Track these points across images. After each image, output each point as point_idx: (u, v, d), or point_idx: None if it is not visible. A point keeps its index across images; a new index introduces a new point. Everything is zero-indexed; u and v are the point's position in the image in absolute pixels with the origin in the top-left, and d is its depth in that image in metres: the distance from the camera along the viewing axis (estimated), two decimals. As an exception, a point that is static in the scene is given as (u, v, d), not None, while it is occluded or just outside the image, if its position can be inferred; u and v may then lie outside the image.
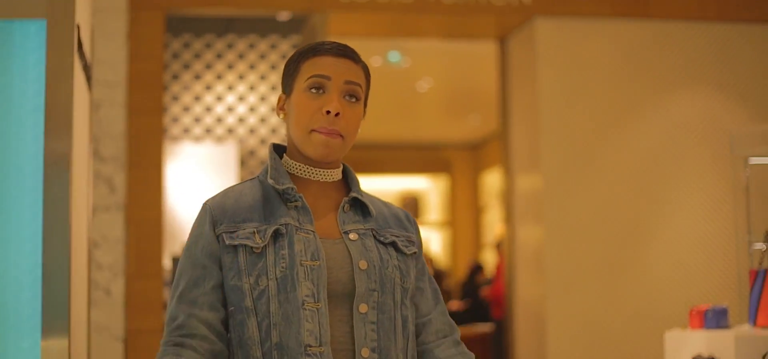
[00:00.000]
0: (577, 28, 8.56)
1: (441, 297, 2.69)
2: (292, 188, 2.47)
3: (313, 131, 2.45)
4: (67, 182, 3.14)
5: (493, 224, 15.81)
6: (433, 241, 17.26)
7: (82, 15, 3.55)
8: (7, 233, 3.17)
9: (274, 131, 8.62)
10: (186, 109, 8.54)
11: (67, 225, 3.15)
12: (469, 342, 11.61)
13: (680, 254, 8.52)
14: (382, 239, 2.51)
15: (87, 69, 3.77)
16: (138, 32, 7.85)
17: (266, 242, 2.39)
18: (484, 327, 12.98)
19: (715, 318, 5.54)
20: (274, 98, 8.67)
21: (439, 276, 14.48)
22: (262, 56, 8.72)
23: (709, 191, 8.61)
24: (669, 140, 8.60)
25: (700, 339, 5.51)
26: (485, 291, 13.36)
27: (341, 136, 2.46)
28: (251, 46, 8.72)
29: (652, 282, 8.45)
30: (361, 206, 2.57)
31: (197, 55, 8.61)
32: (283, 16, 8.56)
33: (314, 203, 2.52)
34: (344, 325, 2.39)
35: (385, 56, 10.85)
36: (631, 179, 8.52)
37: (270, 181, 2.50)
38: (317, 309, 2.35)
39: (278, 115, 2.61)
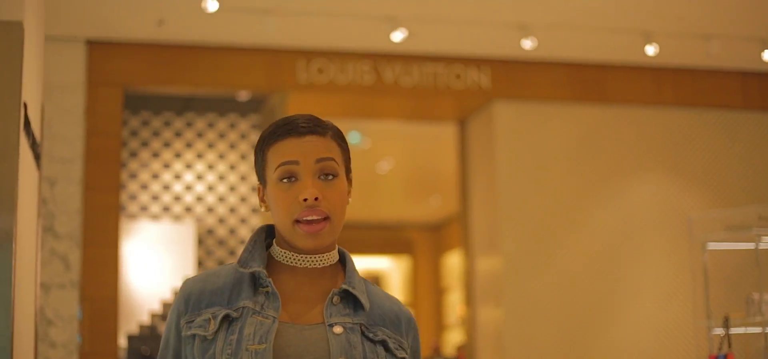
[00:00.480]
0: (535, 111, 8.61)
1: None
2: (259, 272, 2.27)
3: (295, 222, 2.24)
4: (9, 259, 3.08)
5: (455, 306, 15.78)
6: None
7: (31, 92, 3.52)
8: (-52, 312, 3.10)
9: (232, 210, 8.58)
10: (144, 186, 8.48)
11: (9, 303, 3.08)
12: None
13: (640, 338, 8.51)
14: (371, 336, 2.29)
15: (35, 146, 3.72)
16: (96, 108, 7.81)
17: (217, 328, 2.22)
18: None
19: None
20: (232, 177, 8.64)
21: None
22: (221, 135, 8.70)
23: (669, 275, 8.62)
24: (627, 223, 8.63)
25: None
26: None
27: (327, 218, 2.24)
28: (210, 124, 8.70)
29: (612, 366, 8.42)
30: (352, 299, 2.32)
31: (156, 133, 8.58)
32: (243, 95, 8.56)
33: (297, 291, 2.31)
34: None
35: (347, 137, 10.86)
36: (591, 261, 8.52)
37: (237, 265, 2.30)
38: None
39: (260, 207, 2.36)
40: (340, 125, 8.06)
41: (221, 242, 8.54)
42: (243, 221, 8.61)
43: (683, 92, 8.92)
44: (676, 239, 8.57)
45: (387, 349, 2.28)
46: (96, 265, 7.70)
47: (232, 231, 8.58)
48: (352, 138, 10.81)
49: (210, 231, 8.54)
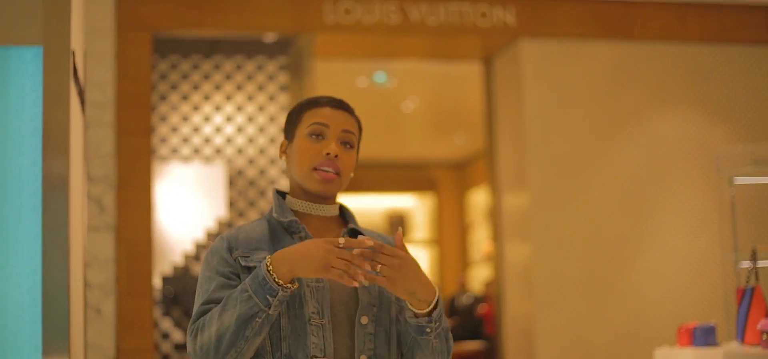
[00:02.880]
0: (561, 49, 8.64)
1: None
2: (296, 221, 2.79)
3: (314, 169, 2.79)
4: (65, 204, 3.18)
5: (480, 243, 15.87)
6: (420, 259, 17.26)
7: (77, 40, 3.60)
8: (7, 255, 3.20)
9: (262, 151, 8.66)
10: (174, 129, 8.57)
11: (66, 247, 3.19)
12: (463, 358, 11.65)
13: (667, 273, 8.58)
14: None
15: (81, 93, 3.81)
16: (126, 53, 7.89)
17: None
18: (474, 345, 13.04)
19: (704, 336, 5.60)
20: (261, 118, 8.71)
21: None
22: (249, 77, 8.77)
23: (695, 210, 8.68)
24: (654, 159, 8.67)
25: (689, 356, 5.57)
26: (481, 309, 13.41)
27: (338, 174, 2.80)
28: (238, 67, 8.77)
29: (640, 300, 8.50)
30: (357, 235, 2.84)
31: (184, 76, 8.65)
32: (270, 37, 8.61)
33: (316, 235, 2.82)
34: (346, 338, 2.72)
35: (371, 77, 10.91)
36: (618, 197, 8.58)
37: (275, 216, 2.84)
38: (322, 325, 2.69)
39: (280, 157, 2.96)
40: (367, 65, 8.16)
41: (252, 183, 8.64)
42: (272, 162, 8.69)
43: (708, 28, 8.93)
44: (703, 174, 8.62)
45: None
46: (130, 207, 7.82)
47: (261, 172, 8.67)
48: (378, 78, 10.86)
49: (240, 172, 8.63)
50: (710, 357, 5.41)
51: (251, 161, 8.67)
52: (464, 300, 14.23)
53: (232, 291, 2.62)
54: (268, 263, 2.57)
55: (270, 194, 8.68)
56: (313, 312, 2.68)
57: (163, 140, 8.53)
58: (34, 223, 3.19)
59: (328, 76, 9.61)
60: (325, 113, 2.83)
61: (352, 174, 2.89)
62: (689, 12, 8.87)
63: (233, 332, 2.55)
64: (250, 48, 8.83)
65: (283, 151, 2.95)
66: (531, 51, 8.61)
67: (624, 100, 8.70)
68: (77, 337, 3.68)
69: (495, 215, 9.23)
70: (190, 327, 2.66)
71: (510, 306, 8.96)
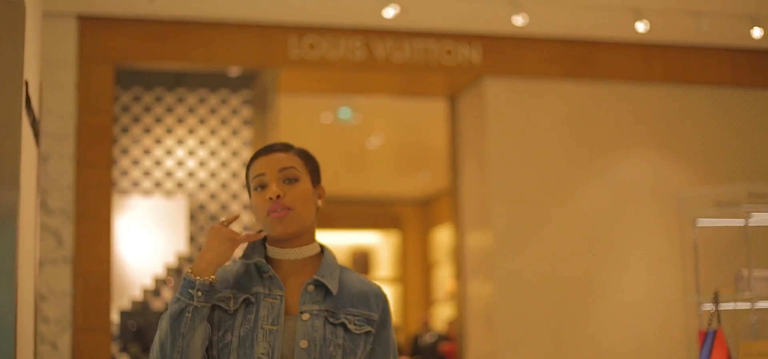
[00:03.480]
0: (526, 87, 8.64)
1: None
2: (261, 262, 2.90)
3: (267, 216, 2.88)
4: (13, 236, 3.10)
5: (444, 281, 15.82)
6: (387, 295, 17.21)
7: (30, 70, 3.53)
8: (-48, 288, 3.11)
9: (223, 185, 8.59)
10: (135, 162, 8.48)
11: (13, 281, 3.10)
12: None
13: (630, 313, 8.56)
14: (332, 320, 2.85)
15: (35, 124, 3.73)
16: (88, 85, 7.81)
17: (238, 307, 2.85)
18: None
19: (664, 378, 5.57)
20: (224, 153, 8.64)
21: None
22: (213, 111, 8.70)
23: (658, 251, 8.67)
24: (618, 200, 8.67)
25: (649, 398, 5.53)
26: (444, 347, 13.34)
27: (289, 209, 2.87)
28: (201, 100, 8.70)
29: (602, 341, 8.48)
30: (323, 287, 2.90)
31: (147, 109, 8.57)
32: (234, 71, 8.56)
33: (285, 280, 2.91)
34: None
35: (336, 112, 10.87)
36: (581, 237, 8.57)
37: (243, 259, 2.95)
38: None
39: (255, 217, 3.00)
40: (332, 100, 8.07)
41: (213, 218, 8.55)
42: (234, 196, 8.62)
43: (673, 69, 8.96)
44: (666, 216, 8.62)
45: (346, 329, 2.86)
46: (89, 241, 7.72)
47: (223, 207, 8.59)
48: (343, 114, 10.82)
49: (202, 207, 8.55)
50: (671, 399, 5.38)
51: (213, 196, 8.59)
52: (427, 339, 14.16)
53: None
54: (190, 270, 2.77)
55: (232, 228, 8.59)
56: (263, 353, 2.76)
57: (124, 173, 8.44)
58: (-19, 255, 3.10)
59: (292, 112, 9.56)
60: (260, 163, 2.94)
61: (319, 203, 3.00)
62: (654, 53, 8.90)
63: (170, 332, 2.71)
64: (214, 81, 8.77)
65: (252, 207, 3.01)
66: (496, 89, 8.60)
67: (588, 139, 8.70)
68: (25, 374, 3.59)
69: (458, 254, 9.19)
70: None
71: (472, 345, 8.91)
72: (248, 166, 2.99)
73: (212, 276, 2.76)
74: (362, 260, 16.82)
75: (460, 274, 9.14)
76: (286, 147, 2.99)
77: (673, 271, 8.50)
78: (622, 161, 8.76)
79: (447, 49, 8.49)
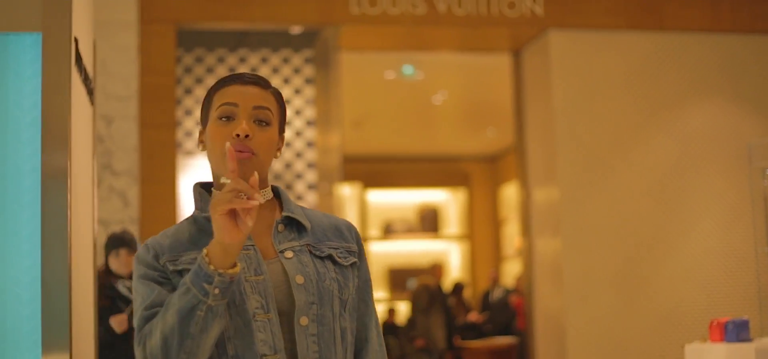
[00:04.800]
0: (590, 40, 8.51)
1: (372, 297, 2.73)
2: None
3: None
4: (65, 194, 3.10)
5: (513, 238, 15.75)
6: (453, 254, 17.21)
7: (81, 28, 3.52)
8: (6, 248, 3.13)
9: (287, 144, 8.59)
10: (199, 123, 8.51)
11: (65, 238, 3.10)
12: (496, 354, 11.57)
13: (700, 266, 8.45)
14: (318, 253, 2.56)
15: (88, 82, 3.73)
16: (149, 46, 7.84)
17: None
18: (506, 340, 12.94)
19: (736, 331, 5.46)
20: (287, 111, 8.65)
21: (458, 287, 14.45)
22: (275, 70, 8.69)
23: (728, 202, 8.54)
24: (685, 151, 8.54)
25: (721, 352, 5.44)
26: (515, 299, 13.28)
27: (253, 153, 2.46)
28: (264, 60, 8.70)
29: (672, 294, 8.38)
30: (295, 223, 2.59)
31: (210, 70, 8.59)
32: (296, 29, 8.54)
33: None
34: (286, 341, 2.45)
35: (399, 69, 10.81)
36: (648, 190, 8.46)
37: (197, 213, 2.56)
38: (268, 320, 2.44)
39: (198, 147, 2.63)
40: (394, 57, 8.02)
41: (277, 177, 8.57)
42: (298, 155, 8.62)
43: (741, 18, 8.78)
44: (736, 166, 8.48)
45: (334, 262, 2.56)
46: (154, 201, 7.77)
47: (287, 165, 8.60)
48: (406, 70, 10.75)
49: (265, 166, 8.57)
50: (742, 352, 5.29)
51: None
52: (497, 294, 14.12)
53: (169, 297, 2.38)
54: (205, 254, 2.31)
55: (297, 187, 8.61)
56: (257, 307, 2.43)
57: (188, 134, 8.47)
58: (33, 215, 3.11)
59: (354, 69, 9.53)
60: (233, 91, 2.53)
61: (278, 154, 2.57)
62: (722, 2, 8.72)
63: (177, 330, 2.32)
64: (275, 41, 8.77)
65: (200, 140, 2.62)
66: (560, 42, 8.49)
67: (654, 91, 8.57)
68: (84, 331, 3.61)
69: (525, 210, 9.12)
70: (136, 336, 2.41)
71: (540, 301, 8.86)
72: (215, 88, 2.59)
73: (234, 268, 2.32)
74: (430, 217, 16.79)
75: (527, 230, 9.08)
76: (264, 82, 2.59)
77: (745, 221, 8.37)
78: (689, 112, 8.61)
79: (509, 1, 8.39)
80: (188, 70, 8.55)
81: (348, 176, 9.15)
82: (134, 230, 7.55)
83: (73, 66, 3.22)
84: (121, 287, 6.09)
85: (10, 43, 3.11)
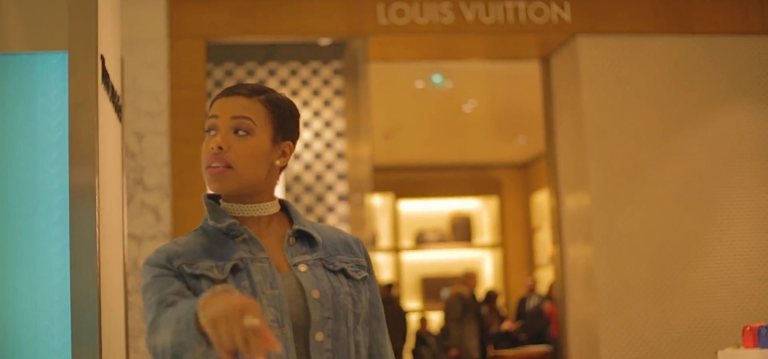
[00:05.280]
0: (619, 45, 8.49)
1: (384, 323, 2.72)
2: (235, 223, 2.53)
3: (206, 168, 2.52)
4: (93, 211, 3.13)
5: (546, 245, 15.71)
6: (485, 262, 17.20)
7: (108, 45, 3.55)
8: (36, 264, 3.16)
9: (318, 156, 8.62)
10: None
11: (94, 255, 3.14)
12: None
13: (732, 271, 8.40)
14: (331, 267, 2.55)
15: (115, 99, 3.76)
16: (179, 61, 7.89)
17: (226, 276, 2.44)
18: (539, 348, 12.91)
19: (769, 336, 5.44)
20: (317, 123, 8.68)
21: (491, 296, 14.44)
22: (304, 82, 8.73)
23: (762, 206, 8.49)
24: (717, 155, 8.50)
25: (754, 357, 5.41)
26: (547, 307, 13.25)
27: (229, 167, 2.48)
28: (293, 72, 8.73)
29: (704, 299, 8.33)
30: (306, 237, 2.60)
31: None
32: (324, 41, 8.57)
33: (258, 237, 2.55)
34: (300, 356, 2.44)
35: (429, 79, 10.82)
36: (680, 196, 8.42)
37: (211, 223, 2.56)
38: (283, 334, 2.41)
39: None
40: (423, 66, 7.99)
41: (308, 189, 8.60)
42: (329, 166, 8.65)
43: (772, 19, 8.75)
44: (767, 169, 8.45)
45: (347, 275, 2.56)
46: (186, 215, 7.81)
47: (318, 177, 8.63)
48: (435, 79, 10.76)
49: (297, 178, 8.60)
50: (775, 358, 5.26)
51: (308, 166, 8.63)
52: (533, 302, 14.10)
53: (181, 302, 2.30)
54: (200, 307, 2.15)
55: (328, 198, 8.64)
56: (272, 321, 2.40)
57: (219, 148, 8.52)
58: (62, 232, 3.14)
59: (383, 79, 9.56)
60: (217, 104, 2.54)
61: (277, 162, 2.58)
62: (751, 4, 8.68)
63: (171, 356, 2.24)
64: (304, 53, 8.81)
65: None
66: (588, 48, 8.47)
67: (685, 95, 8.53)
68: (115, 348, 3.64)
69: (556, 217, 9.10)
70: (149, 326, 2.37)
71: (573, 308, 8.83)
72: (210, 104, 2.60)
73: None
74: (463, 226, 16.79)
75: (558, 237, 9.06)
76: (253, 91, 2.57)
77: (777, 226, 8.34)
78: (721, 115, 8.57)
79: (537, 7, 8.38)
80: (218, 84, 8.60)
81: (379, 187, 9.17)
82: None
83: (100, 84, 3.25)
84: None
85: (37, 62, 3.15)
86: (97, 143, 3.15)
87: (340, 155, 8.72)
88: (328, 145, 8.69)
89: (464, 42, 8.64)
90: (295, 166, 8.61)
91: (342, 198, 8.65)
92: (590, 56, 8.47)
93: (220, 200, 2.62)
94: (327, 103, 8.74)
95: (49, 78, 3.16)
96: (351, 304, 2.52)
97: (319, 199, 8.62)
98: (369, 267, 2.66)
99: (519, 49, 8.98)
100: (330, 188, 8.66)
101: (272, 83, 8.67)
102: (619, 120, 8.45)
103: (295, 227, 2.57)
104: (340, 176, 8.67)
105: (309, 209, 8.58)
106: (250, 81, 8.49)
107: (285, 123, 2.60)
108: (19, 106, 3.15)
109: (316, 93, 8.74)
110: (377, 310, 2.68)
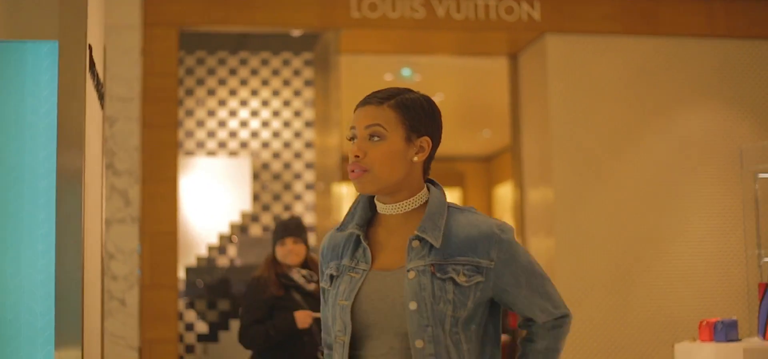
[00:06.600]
0: (587, 44, 8.63)
1: (540, 284, 2.85)
2: (354, 233, 2.81)
3: (350, 173, 2.75)
4: (79, 196, 3.22)
5: (507, 238, 15.81)
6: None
7: (94, 35, 3.64)
8: (22, 246, 3.24)
9: (286, 144, 8.71)
10: (200, 123, 8.63)
11: (79, 238, 3.22)
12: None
13: (690, 267, 8.57)
14: (440, 275, 2.68)
15: (99, 87, 3.85)
16: (152, 49, 7.96)
17: (330, 284, 2.81)
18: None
19: (725, 331, 5.59)
20: (287, 113, 8.76)
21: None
22: (275, 72, 8.81)
23: (720, 205, 8.65)
24: (679, 155, 8.66)
25: (710, 351, 5.56)
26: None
27: (366, 170, 2.71)
28: (264, 62, 8.81)
29: (662, 294, 8.50)
30: (428, 244, 2.73)
31: (211, 71, 8.71)
32: (296, 32, 8.66)
33: (389, 238, 2.80)
34: (396, 355, 2.68)
35: (398, 72, 10.92)
36: (641, 193, 8.57)
37: (339, 229, 2.88)
38: (343, 342, 2.70)
39: None
40: (393, 60, 8.08)
41: (276, 176, 8.68)
42: (297, 155, 8.74)
43: (736, 23, 8.89)
44: (728, 170, 8.60)
45: (455, 284, 2.67)
46: (155, 200, 7.89)
47: (286, 165, 8.72)
48: (404, 73, 10.86)
49: (265, 165, 8.68)
50: (731, 352, 5.41)
51: (276, 155, 8.72)
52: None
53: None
54: None
55: (295, 187, 8.74)
56: (339, 330, 2.72)
57: (189, 134, 8.59)
58: (48, 215, 3.23)
59: (354, 72, 9.64)
60: (354, 116, 2.80)
61: (415, 158, 2.77)
62: (717, 7, 8.84)
63: None
64: (276, 44, 8.88)
65: None
66: (557, 46, 8.61)
67: (649, 95, 8.69)
68: (93, 327, 3.73)
69: (519, 210, 9.23)
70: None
71: (534, 301, 8.95)
72: None
73: None
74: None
75: (521, 230, 9.19)
76: (383, 99, 2.79)
77: (736, 224, 8.50)
78: (683, 116, 8.73)
79: (507, 6, 8.51)
80: (190, 71, 8.66)
81: (346, 177, 9.26)
82: (135, 229, 7.68)
83: (87, 72, 3.34)
84: (297, 275, 6.00)
85: (28, 51, 3.23)
86: (85, 130, 3.24)
87: (308, 145, 8.81)
88: (297, 134, 8.78)
89: (435, 37, 8.76)
90: (263, 154, 8.69)
91: (309, 187, 8.74)
92: (558, 54, 8.60)
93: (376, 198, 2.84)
94: (297, 93, 8.83)
95: (40, 66, 3.24)
96: (451, 311, 2.67)
97: (287, 187, 8.71)
98: (503, 261, 2.74)
99: (488, 45, 9.10)
100: (298, 176, 8.74)
101: (243, 72, 8.74)
102: (584, 117, 8.59)
103: (416, 232, 2.72)
104: (308, 165, 8.76)
105: (276, 197, 8.67)
106: (222, 70, 8.57)
107: (417, 121, 2.79)
108: (9, 92, 3.23)
109: (286, 83, 8.82)
110: (514, 293, 2.78)
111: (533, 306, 2.82)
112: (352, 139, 2.77)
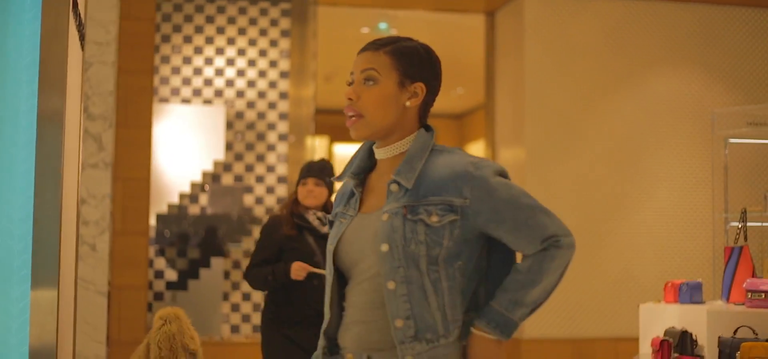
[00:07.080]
0: (564, 4, 8.67)
1: (529, 216, 2.74)
2: (346, 181, 2.95)
3: (346, 119, 2.84)
4: (59, 137, 3.23)
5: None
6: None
7: (77, -25, 3.64)
8: (1, 185, 3.25)
9: (261, 94, 8.71)
10: (175, 70, 8.61)
11: (58, 179, 3.23)
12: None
13: (658, 229, 8.66)
14: (411, 217, 2.71)
15: (81, 28, 3.85)
16: (130, -7, 7.93)
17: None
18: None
19: (689, 293, 5.67)
20: (262, 63, 8.75)
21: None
22: (252, 21, 8.79)
23: (689, 169, 8.74)
24: (651, 117, 8.73)
25: (674, 312, 5.64)
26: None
27: (360, 115, 2.80)
28: (241, 10, 8.79)
29: (629, 255, 8.59)
30: (402, 188, 2.78)
31: (188, 18, 8.68)
32: (274, -19, 8.64)
33: (378, 182, 2.88)
34: (373, 295, 2.76)
35: (375, 26, 10.92)
36: (613, 153, 8.64)
37: (336, 177, 3.03)
38: (330, 284, 2.87)
39: None
40: (369, 13, 8.08)
41: (250, 126, 8.69)
42: (271, 105, 8.74)
43: (711, -12, 8.95)
44: (699, 134, 8.68)
45: (426, 225, 2.69)
46: (128, 146, 7.89)
47: (260, 115, 8.72)
48: (380, 27, 10.86)
49: (239, 115, 8.68)
50: (694, 313, 5.49)
51: (250, 104, 8.72)
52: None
53: None
54: None
55: (269, 137, 8.74)
56: (327, 273, 2.90)
57: (164, 81, 8.57)
58: (28, 154, 3.23)
59: (330, 23, 9.63)
60: (354, 62, 2.87)
61: (407, 103, 2.82)
62: (692, -28, 8.89)
63: None
64: (253, -8, 8.87)
65: None
66: (534, 6, 8.63)
67: (623, 57, 8.74)
68: (68, 270, 3.74)
69: (491, 168, 9.27)
70: None
71: (503, 259, 9.02)
72: None
73: None
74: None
75: (492, 188, 9.23)
76: (380, 45, 2.87)
77: (704, 188, 8.58)
78: (656, 79, 8.79)
79: (485, -36, 8.52)
80: (167, 17, 8.63)
81: (318, 130, 9.28)
82: (107, 174, 7.67)
83: (71, 13, 3.33)
84: (312, 217, 5.86)
85: (11, -12, 3.23)
86: (66, 70, 3.24)
87: (283, 95, 8.81)
88: (272, 85, 8.78)
89: (412, -8, 8.77)
90: (238, 103, 8.69)
91: (282, 138, 8.75)
92: (535, 13, 8.63)
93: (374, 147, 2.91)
94: (273, 43, 8.82)
95: (22, 4, 3.24)
96: (424, 251, 2.69)
97: (261, 137, 8.71)
98: (481, 196, 2.70)
99: (466, 1, 9.11)
100: (271, 126, 8.75)
101: (220, 20, 8.72)
102: (558, 77, 8.63)
103: (392, 177, 2.77)
104: (282, 116, 8.76)
105: (249, 147, 8.67)
106: (198, 17, 8.55)
107: (411, 67, 2.85)
108: (-9, 30, 3.23)
109: (263, 33, 8.81)
110: (499, 220, 2.72)
111: (520, 238, 2.73)
112: (350, 84, 2.84)
